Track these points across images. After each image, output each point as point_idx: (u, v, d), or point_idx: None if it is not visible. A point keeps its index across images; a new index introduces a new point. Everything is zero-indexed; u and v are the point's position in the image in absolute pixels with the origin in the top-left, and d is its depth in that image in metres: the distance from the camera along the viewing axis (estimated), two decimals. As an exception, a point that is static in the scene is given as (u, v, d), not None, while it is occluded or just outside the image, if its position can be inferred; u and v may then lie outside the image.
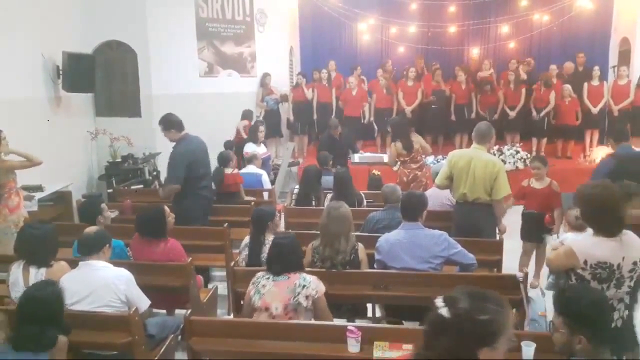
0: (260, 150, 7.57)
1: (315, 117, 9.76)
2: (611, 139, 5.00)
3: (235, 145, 7.74)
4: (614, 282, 2.58)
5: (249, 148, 7.49)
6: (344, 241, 3.53)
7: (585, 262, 2.59)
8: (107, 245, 3.31)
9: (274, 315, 3.04)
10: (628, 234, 2.64)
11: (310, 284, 3.07)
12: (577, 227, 3.85)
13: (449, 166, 4.54)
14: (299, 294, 3.03)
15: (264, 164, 7.77)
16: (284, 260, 3.14)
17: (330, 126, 7.51)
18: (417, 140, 6.32)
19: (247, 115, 8.71)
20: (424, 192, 4.81)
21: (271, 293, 3.07)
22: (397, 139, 6.34)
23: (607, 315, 2.14)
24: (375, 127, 9.77)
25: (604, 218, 2.62)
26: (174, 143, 5.03)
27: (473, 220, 4.41)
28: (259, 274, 3.20)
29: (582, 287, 2.54)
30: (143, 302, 3.21)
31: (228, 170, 5.85)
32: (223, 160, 5.92)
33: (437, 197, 5.15)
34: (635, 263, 2.59)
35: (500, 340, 1.53)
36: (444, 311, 1.53)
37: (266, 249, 3.80)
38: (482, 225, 4.41)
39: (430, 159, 8.21)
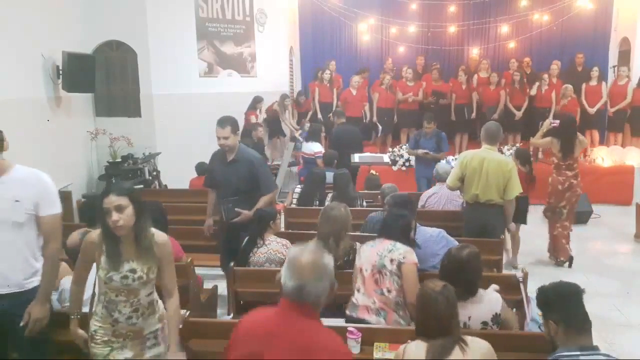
0: (316, 149, 7.84)
1: (319, 116, 9.79)
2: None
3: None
4: None
5: (316, 147, 7.73)
6: (332, 242, 3.44)
7: None
8: None
9: (364, 277, 3.18)
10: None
11: (398, 249, 3.14)
12: None
13: (460, 167, 4.48)
14: (384, 256, 3.13)
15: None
16: (386, 227, 3.31)
17: (336, 114, 7.88)
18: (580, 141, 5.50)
19: (257, 103, 8.93)
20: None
21: (366, 256, 3.23)
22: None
23: (570, 300, 2.25)
24: (379, 127, 9.76)
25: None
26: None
27: (484, 222, 4.39)
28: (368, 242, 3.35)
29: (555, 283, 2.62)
30: None
31: None
32: None
33: (446, 196, 5.14)
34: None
35: None
36: None
37: (262, 250, 3.80)
38: (492, 226, 4.40)
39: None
